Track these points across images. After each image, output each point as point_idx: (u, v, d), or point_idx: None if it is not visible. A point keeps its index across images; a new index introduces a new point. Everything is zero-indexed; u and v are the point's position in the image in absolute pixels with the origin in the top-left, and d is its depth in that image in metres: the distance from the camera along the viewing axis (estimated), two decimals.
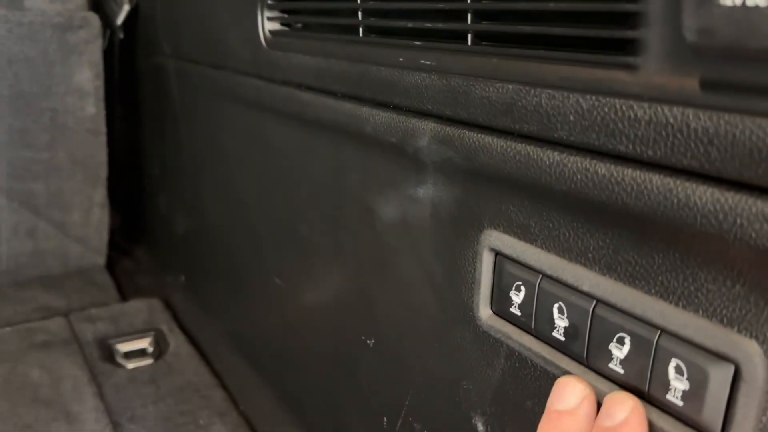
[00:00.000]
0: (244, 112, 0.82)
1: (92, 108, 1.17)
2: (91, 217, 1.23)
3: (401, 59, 0.48)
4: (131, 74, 1.22)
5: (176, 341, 1.05)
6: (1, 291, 1.16)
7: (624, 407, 0.34)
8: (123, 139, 1.29)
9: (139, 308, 1.15)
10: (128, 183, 1.33)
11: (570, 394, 0.37)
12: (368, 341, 0.62)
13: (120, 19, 1.12)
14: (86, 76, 1.15)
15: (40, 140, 1.14)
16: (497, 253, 0.43)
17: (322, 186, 0.67)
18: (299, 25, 0.66)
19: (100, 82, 1.15)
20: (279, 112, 0.72)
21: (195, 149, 1.04)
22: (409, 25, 0.48)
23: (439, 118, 0.45)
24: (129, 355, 1.02)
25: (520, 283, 0.41)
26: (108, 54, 1.18)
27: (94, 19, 1.13)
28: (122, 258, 1.35)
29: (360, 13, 0.53)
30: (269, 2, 0.67)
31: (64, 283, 1.21)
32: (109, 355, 1.01)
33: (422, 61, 0.46)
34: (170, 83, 1.05)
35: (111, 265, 1.29)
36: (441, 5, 0.44)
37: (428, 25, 0.46)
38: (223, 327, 1.04)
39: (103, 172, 1.22)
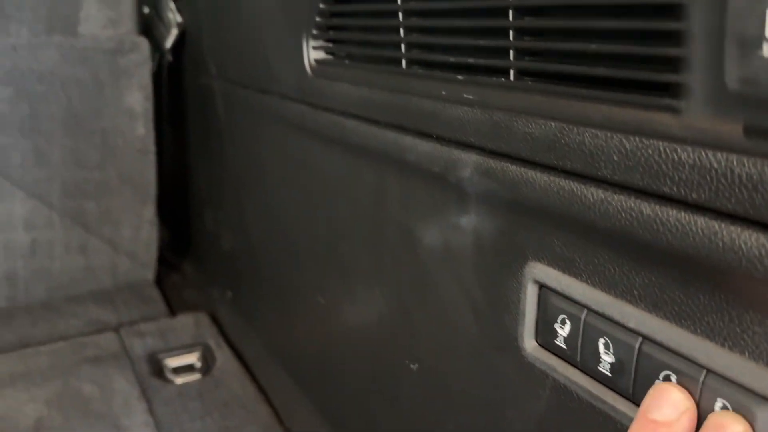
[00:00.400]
0: (288, 134, 0.84)
1: (142, 128, 1.21)
2: (140, 233, 1.27)
3: (443, 92, 0.49)
4: (179, 95, 1.26)
5: (223, 356, 1.08)
6: (53, 305, 1.20)
7: (733, 430, 0.31)
8: (171, 158, 1.32)
9: (186, 323, 1.18)
10: (175, 199, 1.37)
11: (669, 404, 0.34)
12: (411, 365, 0.63)
13: (168, 43, 1.16)
14: (136, 98, 1.19)
15: (91, 160, 1.19)
16: (542, 286, 0.44)
17: (364, 208, 0.68)
18: (344, 54, 0.68)
19: (149, 104, 1.19)
20: (323, 137, 0.73)
21: (239, 168, 1.06)
22: (451, 59, 0.49)
23: (482, 150, 0.46)
24: (177, 371, 1.04)
25: (565, 316, 0.42)
26: (157, 75, 1.22)
27: (144, 43, 1.17)
28: (170, 272, 1.38)
29: (403, 46, 0.54)
30: (314, 32, 0.69)
31: (114, 298, 1.24)
32: (158, 370, 1.04)
33: (464, 95, 0.47)
34: (216, 104, 1.08)
35: (159, 280, 1.32)
36: (483, 43, 0.45)
37: (470, 60, 0.47)
38: (268, 342, 1.06)
39: (152, 189, 1.25)
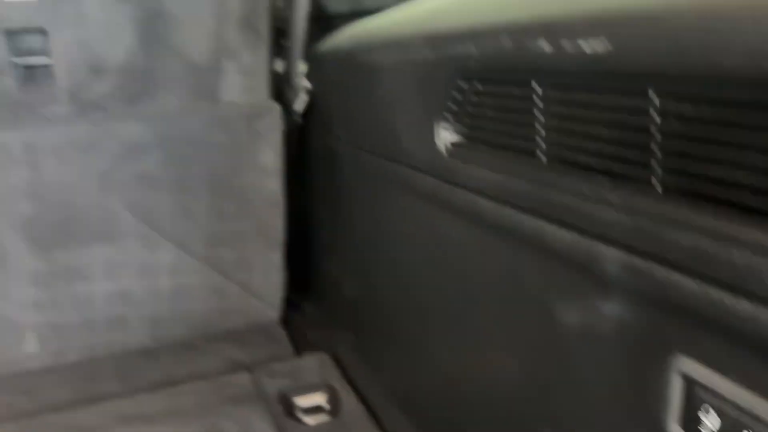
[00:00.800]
0: (417, 201, 0.91)
1: (273, 184, 1.32)
2: (269, 277, 1.38)
3: (585, 190, 0.54)
4: (306, 153, 1.36)
5: (348, 398, 1.15)
6: (193, 344, 1.32)
7: None
8: (296, 208, 1.42)
9: (312, 363, 1.26)
10: (300, 245, 1.46)
11: None
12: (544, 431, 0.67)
13: (298, 107, 1.26)
14: (269, 157, 1.30)
15: (230, 213, 1.30)
16: (689, 380, 0.47)
17: (497, 282, 0.73)
18: (479, 137, 0.73)
19: (280, 162, 1.30)
20: (454, 212, 0.79)
21: (363, 224, 1.14)
22: (593, 164, 0.53)
23: (627, 248, 0.50)
24: (307, 411, 1.13)
25: (713, 412, 0.45)
26: (287, 135, 1.32)
27: (276, 108, 1.28)
28: (294, 313, 1.48)
29: (541, 141, 0.59)
30: (448, 116, 0.75)
31: (246, 337, 1.35)
32: (290, 410, 1.13)
33: (607, 197, 0.51)
34: (341, 165, 1.17)
35: (284, 320, 1.42)
36: (628, 154, 0.49)
37: (614, 168, 0.51)
38: (392, 388, 1.12)
39: (281, 237, 1.36)
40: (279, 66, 1.35)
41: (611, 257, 0.51)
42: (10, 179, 1.11)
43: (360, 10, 1.36)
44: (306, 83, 1.25)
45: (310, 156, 1.36)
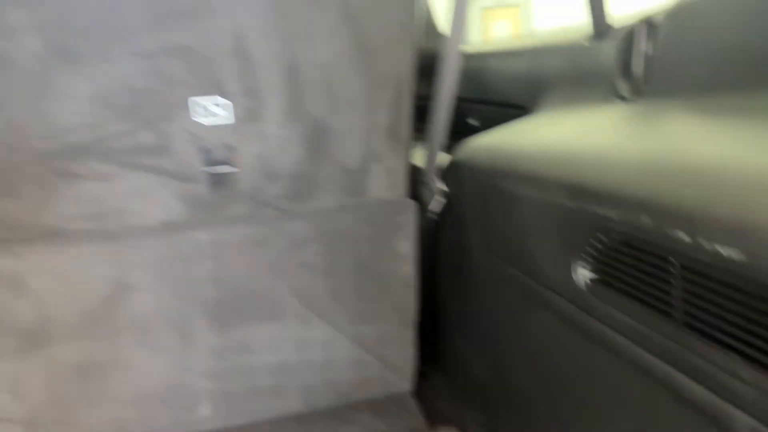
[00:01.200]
0: (551, 317, 1.01)
1: (408, 269, 1.48)
2: (403, 351, 1.53)
3: (717, 360, 0.64)
4: (440, 245, 1.51)
5: None
6: (339, 413, 1.49)
7: None
8: (429, 290, 1.58)
9: None
10: (431, 322, 1.61)
11: None
12: None
13: (434, 209, 1.42)
14: (405, 246, 1.46)
15: (371, 294, 1.47)
16: None
17: (626, 412, 0.81)
18: (617, 281, 0.84)
19: (414, 250, 1.46)
20: (589, 337, 0.90)
21: (494, 319, 1.27)
22: (726, 340, 0.64)
23: (757, 417, 0.60)
24: None
25: None
26: (424, 229, 1.48)
27: (412, 205, 1.45)
28: (426, 384, 1.63)
29: (676, 307, 0.70)
30: (585, 257, 0.87)
31: (382, 407, 1.51)
32: None
33: (739, 372, 0.62)
34: (474, 264, 1.31)
35: (416, 391, 1.57)
36: (760, 343, 0.60)
37: (747, 349, 0.62)
38: None
39: (414, 315, 1.51)
40: (417, 157, 1.53)
41: (740, 421, 0.62)
42: (200, 269, 1.33)
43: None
44: (442, 186, 1.41)
45: (443, 248, 1.51)
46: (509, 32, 6.44)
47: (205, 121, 1.21)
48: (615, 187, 0.82)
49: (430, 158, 1.42)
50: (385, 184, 1.42)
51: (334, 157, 1.34)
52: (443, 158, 1.44)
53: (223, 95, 1.20)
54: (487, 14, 6.45)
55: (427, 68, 2.08)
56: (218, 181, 1.30)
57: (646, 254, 0.76)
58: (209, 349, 1.39)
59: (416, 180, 1.51)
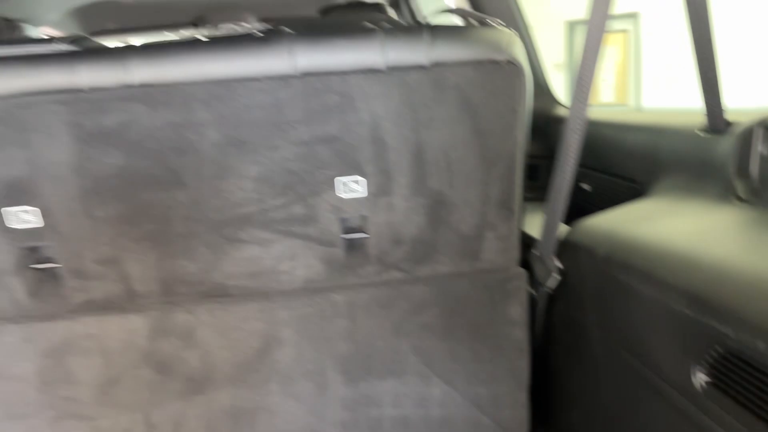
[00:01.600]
0: (665, 408, 1.04)
1: (520, 333, 1.61)
2: (517, 413, 1.63)
3: None
4: (552, 316, 1.63)
5: None
6: None
7: None
8: (541, 355, 1.69)
9: None
10: (543, 386, 1.71)
11: None
12: None
13: (549, 283, 1.53)
14: (517, 311, 1.60)
15: (485, 356, 1.61)
16: None
17: None
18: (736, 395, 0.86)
19: (525, 315, 1.60)
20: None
21: (606, 394, 1.32)
22: None
23: None
24: None
25: None
26: (536, 297, 1.61)
27: (523, 274, 1.59)
28: None
29: None
30: (702, 362, 0.91)
31: None
32: None
33: None
34: (587, 341, 1.36)
35: None
36: None
37: None
38: None
39: (528, 379, 1.62)
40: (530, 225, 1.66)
41: None
42: (335, 327, 1.53)
43: None
44: (558, 264, 1.50)
45: (557, 319, 1.62)
46: (617, 59, 6.36)
47: (345, 195, 1.45)
48: (734, 304, 0.85)
49: (548, 234, 1.52)
50: (497, 249, 1.57)
51: (452, 226, 1.52)
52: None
53: (361, 174, 1.43)
54: None
55: (535, 129, 2.28)
56: (353, 246, 1.53)
57: (763, 375, 0.81)
58: (341, 400, 1.56)
59: (527, 246, 1.65)
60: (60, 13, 3.83)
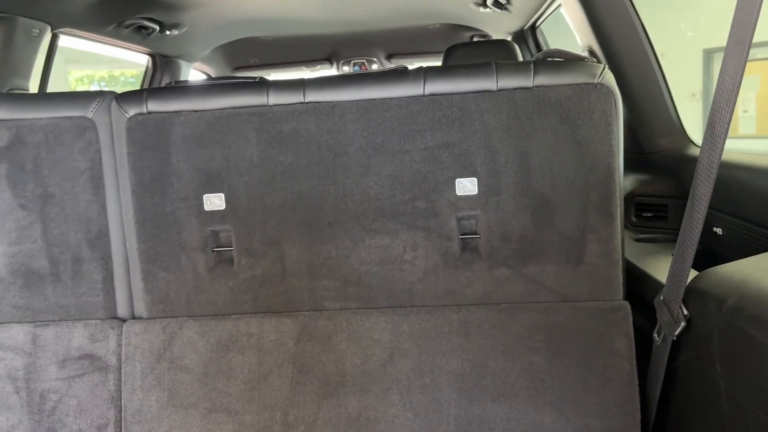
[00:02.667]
0: None
1: (628, 365, 1.58)
2: None
3: None
4: (676, 361, 1.54)
5: None
6: None
7: None
8: (648, 391, 1.64)
9: None
10: (657, 424, 1.67)
11: None
12: None
13: (673, 332, 1.45)
14: (622, 342, 1.58)
15: (594, 386, 1.59)
16: None
17: None
18: None
19: (632, 347, 1.59)
20: None
21: None
22: None
23: None
24: None
25: None
26: (658, 343, 1.55)
27: (627, 308, 1.60)
28: None
29: None
30: None
31: None
32: None
33: None
34: (717, 395, 1.29)
35: None
36: None
37: None
38: None
39: (638, 414, 1.59)
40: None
41: None
42: (450, 343, 1.61)
43: None
44: (685, 311, 1.43)
45: (681, 364, 1.51)
46: (759, 89, 6.00)
47: (461, 193, 1.64)
48: None
49: (676, 279, 1.45)
50: (599, 252, 1.61)
51: (556, 227, 1.61)
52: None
53: (476, 176, 1.62)
54: None
55: (666, 168, 2.25)
56: (466, 242, 1.67)
57: None
58: (455, 418, 1.61)
59: (638, 278, 1.62)
60: (208, 49, 4.24)
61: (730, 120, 1.23)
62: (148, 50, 3.87)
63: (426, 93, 1.58)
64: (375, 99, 1.59)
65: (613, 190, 1.59)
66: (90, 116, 1.68)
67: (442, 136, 1.59)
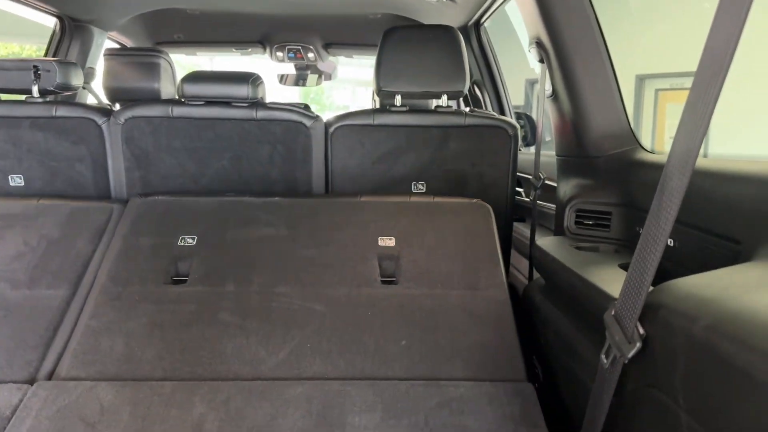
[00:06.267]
0: None
1: None
2: None
3: None
4: (624, 385, 1.35)
5: None
6: None
7: None
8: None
9: None
10: None
11: None
12: None
13: (625, 352, 1.20)
14: None
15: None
16: None
17: None
18: None
19: None
20: None
21: None
22: None
23: None
24: None
25: None
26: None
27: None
28: None
29: None
30: None
31: None
32: None
33: None
34: (676, 425, 1.09)
35: None
36: None
37: None
38: None
39: None
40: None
41: None
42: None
43: None
44: (641, 330, 1.20)
45: (631, 389, 1.29)
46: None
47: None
48: None
49: (632, 294, 1.22)
50: None
51: None
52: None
53: None
54: None
55: (611, 172, 2.04)
56: None
57: None
58: None
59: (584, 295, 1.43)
60: (126, 17, 3.84)
61: (714, 104, 1.05)
62: (56, 11, 3.46)
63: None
64: None
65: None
66: None
67: None
